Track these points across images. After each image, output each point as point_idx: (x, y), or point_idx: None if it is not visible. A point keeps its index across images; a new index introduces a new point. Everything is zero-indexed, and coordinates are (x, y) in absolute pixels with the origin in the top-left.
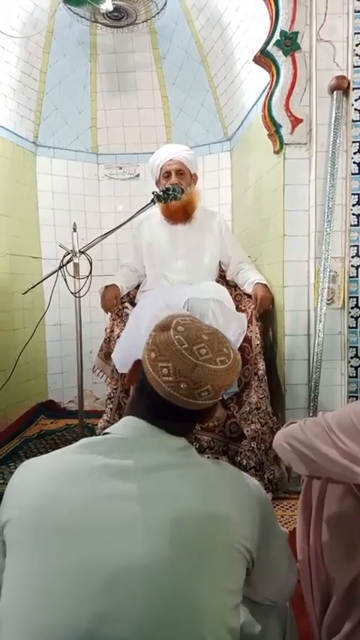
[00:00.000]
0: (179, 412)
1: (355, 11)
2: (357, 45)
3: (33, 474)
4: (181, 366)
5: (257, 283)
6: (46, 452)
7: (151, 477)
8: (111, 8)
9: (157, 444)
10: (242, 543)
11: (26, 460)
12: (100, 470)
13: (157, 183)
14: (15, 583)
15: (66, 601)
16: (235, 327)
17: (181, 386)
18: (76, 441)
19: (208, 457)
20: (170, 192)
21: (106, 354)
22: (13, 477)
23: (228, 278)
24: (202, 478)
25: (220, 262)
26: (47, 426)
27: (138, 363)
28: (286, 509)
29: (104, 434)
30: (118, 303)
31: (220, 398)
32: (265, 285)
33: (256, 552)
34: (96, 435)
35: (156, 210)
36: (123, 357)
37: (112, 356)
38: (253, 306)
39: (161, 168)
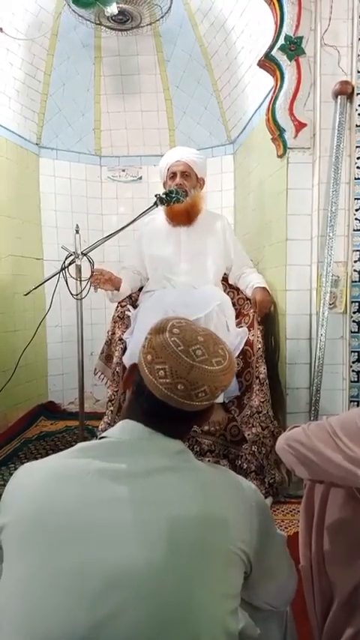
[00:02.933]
0: (176, 414)
1: None
2: None
3: (29, 478)
4: (177, 368)
5: (257, 287)
6: (47, 453)
7: (148, 480)
8: (115, 11)
9: (154, 448)
10: (240, 547)
11: (24, 464)
12: (97, 474)
13: (164, 185)
14: (12, 588)
15: (63, 606)
16: (238, 330)
17: (178, 387)
18: (76, 442)
19: (208, 460)
20: (173, 195)
21: (107, 356)
22: (10, 482)
23: (230, 282)
24: (200, 482)
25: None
26: (47, 427)
27: (134, 367)
28: (287, 513)
29: (101, 438)
30: (113, 285)
31: (216, 399)
32: (264, 288)
33: (254, 556)
34: (96, 437)
35: (160, 212)
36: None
37: (123, 359)
38: (253, 310)
39: (168, 169)
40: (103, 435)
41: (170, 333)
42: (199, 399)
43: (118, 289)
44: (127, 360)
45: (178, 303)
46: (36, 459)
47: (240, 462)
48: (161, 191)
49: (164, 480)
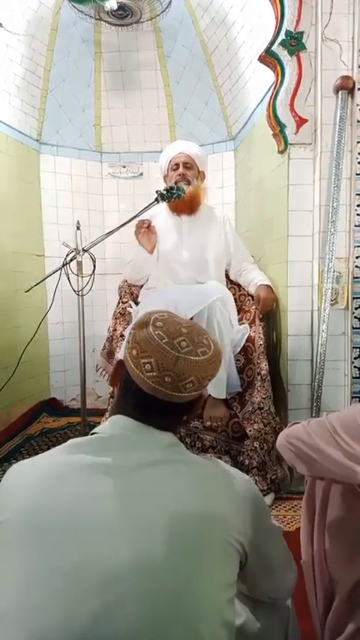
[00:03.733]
0: (165, 407)
1: None
2: None
3: (23, 476)
4: (163, 360)
5: (261, 284)
6: (48, 449)
7: (142, 474)
8: (115, 7)
9: (146, 441)
10: (235, 537)
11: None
12: (90, 469)
13: (165, 177)
14: (8, 585)
15: (60, 602)
16: (239, 327)
17: (166, 380)
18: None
19: (210, 456)
20: (174, 192)
21: (108, 352)
22: (4, 480)
23: (231, 277)
24: (194, 474)
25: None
26: (49, 423)
27: (120, 364)
28: (289, 509)
29: (92, 434)
30: (149, 243)
31: (204, 389)
32: (268, 285)
33: (249, 545)
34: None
35: (162, 206)
36: None
37: (117, 355)
38: (255, 307)
39: (170, 160)
40: (94, 430)
41: (154, 327)
42: (187, 390)
43: (151, 251)
44: (122, 356)
45: (181, 298)
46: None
47: (242, 458)
48: (162, 187)
49: (158, 474)
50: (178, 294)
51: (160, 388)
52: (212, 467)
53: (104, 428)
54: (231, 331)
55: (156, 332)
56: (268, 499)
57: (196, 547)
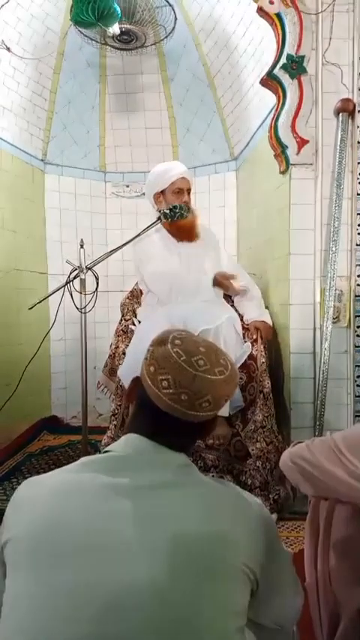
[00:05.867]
0: (180, 426)
1: None
2: None
3: (33, 493)
4: (180, 378)
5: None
6: (49, 468)
7: (153, 496)
8: (118, 32)
9: (158, 462)
10: (246, 564)
11: (27, 478)
12: (102, 489)
13: (161, 193)
14: (15, 604)
15: (65, 623)
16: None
17: (182, 397)
18: (79, 457)
19: (212, 476)
20: (177, 211)
21: (110, 370)
22: (14, 497)
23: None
24: (205, 497)
25: None
26: (50, 441)
27: (137, 380)
28: (292, 530)
29: (105, 452)
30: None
31: (220, 410)
32: (263, 321)
33: (260, 573)
34: (99, 451)
35: (152, 231)
36: (129, 374)
37: (119, 372)
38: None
39: (172, 182)
40: (107, 449)
41: (172, 345)
42: (203, 408)
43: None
44: (123, 372)
45: (190, 314)
46: (39, 473)
47: (244, 478)
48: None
49: (169, 495)
50: (186, 311)
51: (176, 406)
52: (224, 490)
53: (117, 446)
54: (239, 350)
55: (174, 349)
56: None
57: (205, 571)
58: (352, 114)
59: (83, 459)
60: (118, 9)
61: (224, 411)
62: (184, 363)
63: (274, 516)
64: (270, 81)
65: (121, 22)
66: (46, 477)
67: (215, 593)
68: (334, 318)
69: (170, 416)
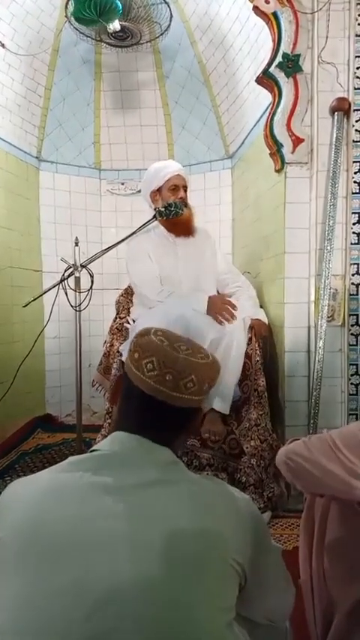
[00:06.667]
0: (166, 414)
1: (356, 35)
2: (358, 67)
3: (21, 493)
4: (165, 359)
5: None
6: (43, 466)
7: (141, 493)
8: (118, 28)
9: (145, 459)
10: (235, 559)
11: (21, 477)
12: (89, 488)
13: (157, 191)
14: (5, 605)
15: (57, 623)
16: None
17: (167, 378)
18: (73, 455)
19: (207, 474)
20: (172, 209)
21: (105, 368)
22: (2, 497)
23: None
24: (193, 494)
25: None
26: (44, 440)
27: (119, 380)
28: (286, 527)
29: (92, 451)
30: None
31: (203, 397)
32: (257, 320)
33: (249, 568)
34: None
35: (152, 230)
36: None
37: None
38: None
39: (168, 179)
40: (94, 447)
41: (155, 335)
42: (187, 390)
43: None
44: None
45: (188, 311)
46: (33, 472)
47: (239, 476)
48: (159, 204)
49: (157, 493)
50: (183, 308)
51: (161, 387)
52: (212, 486)
53: (104, 444)
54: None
55: (157, 337)
56: (265, 517)
57: (195, 569)
58: (347, 113)
59: (70, 459)
60: (119, 4)
61: (225, 408)
62: (168, 347)
63: (268, 514)
64: (266, 79)
65: (118, 19)
66: (33, 478)
67: (205, 589)
68: (328, 317)
69: (155, 402)
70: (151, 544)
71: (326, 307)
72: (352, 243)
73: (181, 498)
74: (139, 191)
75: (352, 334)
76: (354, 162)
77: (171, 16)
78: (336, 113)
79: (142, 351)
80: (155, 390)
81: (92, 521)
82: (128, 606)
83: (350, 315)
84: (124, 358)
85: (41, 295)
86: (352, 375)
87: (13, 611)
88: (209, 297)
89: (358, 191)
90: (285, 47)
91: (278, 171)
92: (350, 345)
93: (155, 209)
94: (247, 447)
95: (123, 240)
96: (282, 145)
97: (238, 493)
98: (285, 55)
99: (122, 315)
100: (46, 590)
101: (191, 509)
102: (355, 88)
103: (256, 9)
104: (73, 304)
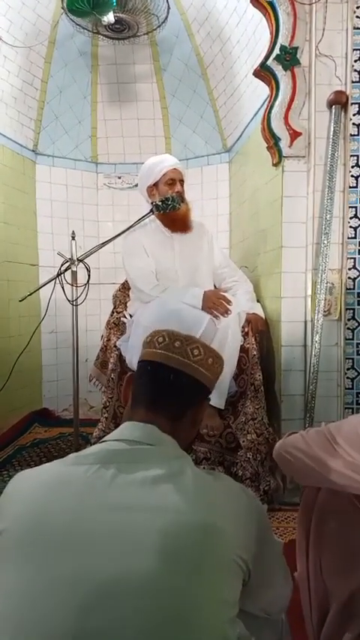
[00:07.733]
0: (175, 383)
1: (354, 28)
2: (355, 61)
3: (27, 485)
4: (175, 332)
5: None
6: (40, 461)
7: (147, 487)
8: (113, 20)
9: (152, 453)
10: (239, 554)
11: (18, 471)
12: (93, 481)
13: (154, 186)
14: (6, 595)
15: (56, 614)
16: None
17: (175, 344)
18: (71, 449)
19: (204, 468)
20: (169, 203)
21: (102, 362)
22: (7, 489)
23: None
24: (198, 489)
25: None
26: (41, 434)
27: (130, 378)
28: (282, 520)
29: (101, 442)
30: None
31: (208, 373)
32: (254, 314)
33: (253, 563)
34: (90, 444)
35: (149, 224)
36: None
37: (127, 359)
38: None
39: (165, 173)
40: (103, 439)
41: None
42: (194, 356)
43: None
44: (132, 359)
45: (180, 306)
46: (30, 466)
47: (235, 469)
48: (156, 198)
49: (163, 488)
50: (178, 303)
51: (170, 354)
52: (218, 481)
53: (113, 436)
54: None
55: (163, 332)
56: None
57: (198, 563)
58: (345, 106)
59: (78, 452)
60: None
61: (221, 403)
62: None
63: (265, 507)
64: (263, 72)
65: (113, 11)
66: (39, 469)
67: (206, 584)
68: (325, 311)
69: (165, 370)
70: (153, 537)
71: (323, 301)
72: (348, 238)
73: (186, 492)
74: (136, 185)
75: (348, 328)
76: (351, 155)
77: (168, 8)
78: (333, 106)
79: (154, 333)
80: (165, 357)
81: (95, 513)
82: (128, 599)
83: (347, 309)
84: (123, 351)
85: (38, 289)
86: (348, 369)
87: (13, 601)
88: (204, 292)
89: (355, 185)
90: (282, 40)
91: (275, 165)
92: (346, 339)
93: (152, 203)
94: (243, 441)
95: (120, 234)
96: (279, 139)
97: (241, 487)
98: (282, 48)
99: (119, 310)
100: (46, 582)
101: (196, 504)
102: (353, 82)
103: (253, 0)
104: (69, 299)
